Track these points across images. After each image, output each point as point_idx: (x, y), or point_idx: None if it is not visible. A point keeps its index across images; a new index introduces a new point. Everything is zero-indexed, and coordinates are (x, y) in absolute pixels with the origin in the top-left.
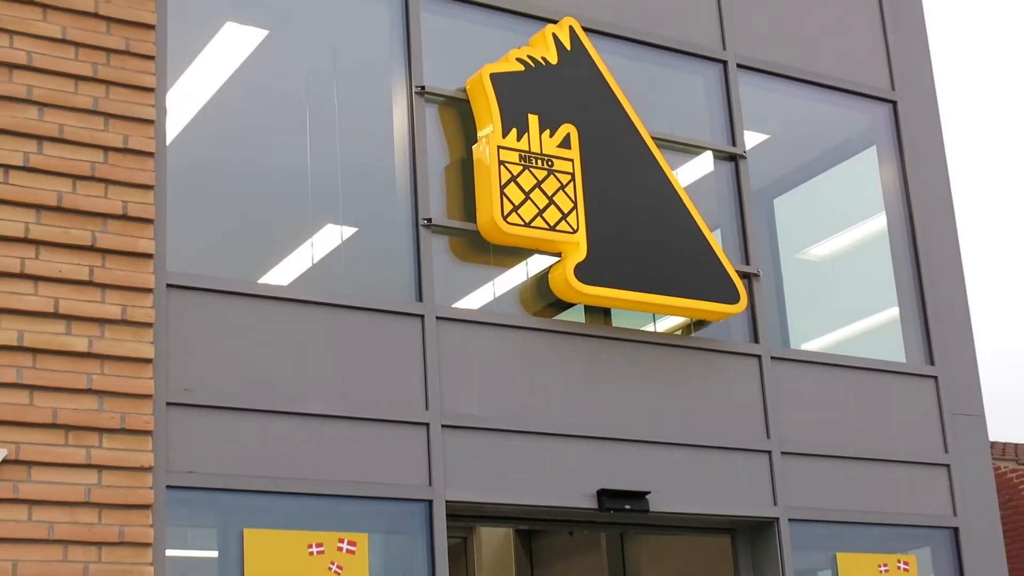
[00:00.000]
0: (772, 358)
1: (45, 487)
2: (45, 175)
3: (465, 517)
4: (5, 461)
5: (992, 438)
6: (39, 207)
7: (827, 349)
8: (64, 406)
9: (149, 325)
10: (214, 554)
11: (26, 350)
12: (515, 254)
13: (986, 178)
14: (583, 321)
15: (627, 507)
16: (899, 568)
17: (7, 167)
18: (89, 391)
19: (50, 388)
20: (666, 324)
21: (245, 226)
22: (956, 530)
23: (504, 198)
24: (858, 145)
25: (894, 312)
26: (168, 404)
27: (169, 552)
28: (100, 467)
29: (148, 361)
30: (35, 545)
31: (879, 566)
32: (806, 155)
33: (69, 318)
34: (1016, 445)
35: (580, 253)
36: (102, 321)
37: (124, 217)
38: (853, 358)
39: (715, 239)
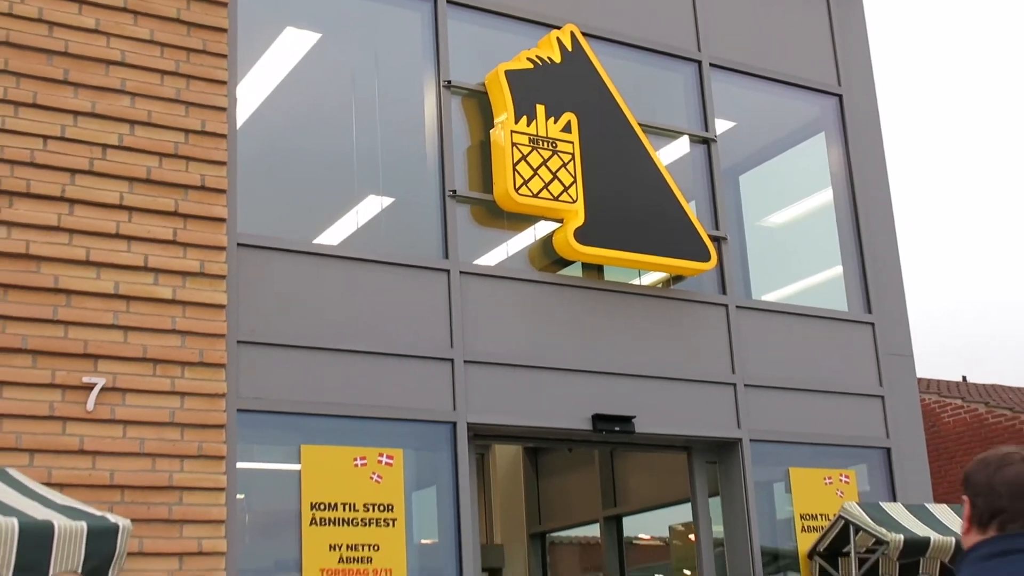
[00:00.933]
0: (737, 307)
1: (137, 410)
2: (136, 153)
3: (483, 436)
4: (103, 389)
5: (918, 375)
6: (131, 179)
7: (783, 300)
8: (152, 343)
9: (222, 277)
10: (276, 466)
11: (121, 297)
12: (525, 220)
13: (921, 157)
14: (580, 275)
15: (616, 428)
16: (841, 480)
17: (104, 146)
18: (173, 331)
19: (141, 328)
20: (649, 279)
21: (302, 196)
22: (888, 450)
23: (516, 173)
24: (809, 131)
25: (838, 270)
26: (238, 342)
27: (239, 465)
28: (182, 394)
29: (222, 307)
30: (129, 458)
31: (824, 479)
32: (766, 139)
33: (157, 271)
34: (938, 381)
35: (579, 219)
36: (184, 274)
37: (202, 188)
38: (804, 307)
39: (690, 208)
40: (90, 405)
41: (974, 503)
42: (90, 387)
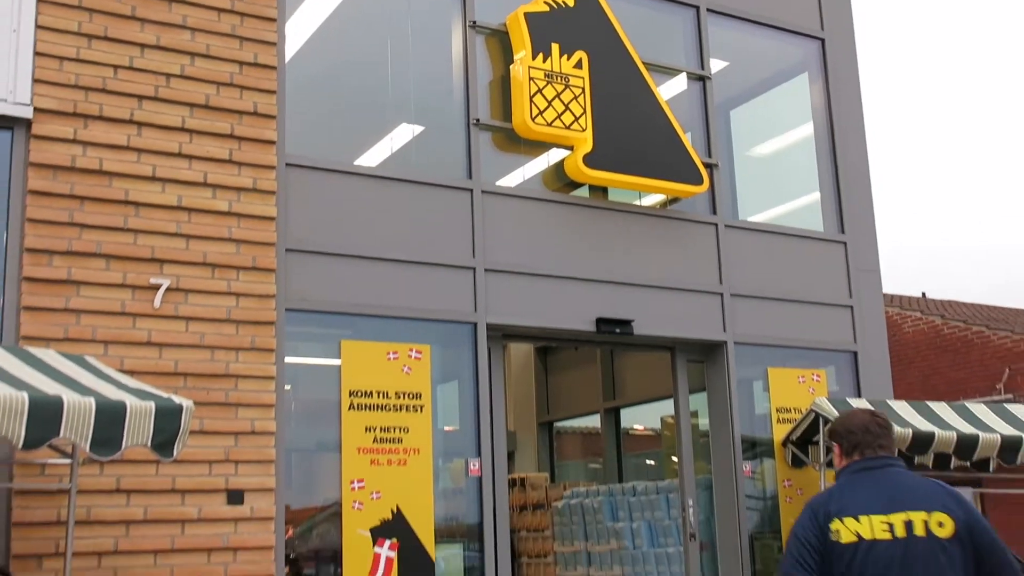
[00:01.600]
0: (726, 226)
1: (198, 308)
2: (196, 81)
3: (501, 336)
4: (168, 289)
5: (884, 290)
6: (192, 105)
7: (766, 221)
8: (211, 250)
9: (272, 193)
10: (319, 360)
11: (183, 209)
12: (540, 146)
13: (893, 94)
14: (588, 196)
15: (617, 331)
16: (813, 379)
17: (168, 75)
18: (229, 239)
19: (201, 237)
20: (649, 200)
21: (343, 123)
22: (855, 354)
23: (533, 105)
24: (794, 71)
25: (816, 195)
26: (287, 250)
27: (287, 359)
28: (237, 294)
29: (271, 219)
30: (190, 349)
31: (798, 378)
32: (755, 78)
33: (215, 187)
34: (900, 296)
35: (587, 146)
36: (238, 189)
37: (254, 114)
38: (785, 227)
39: (686, 138)
40: (157, 303)
41: (841, 444)
42: (156, 287)
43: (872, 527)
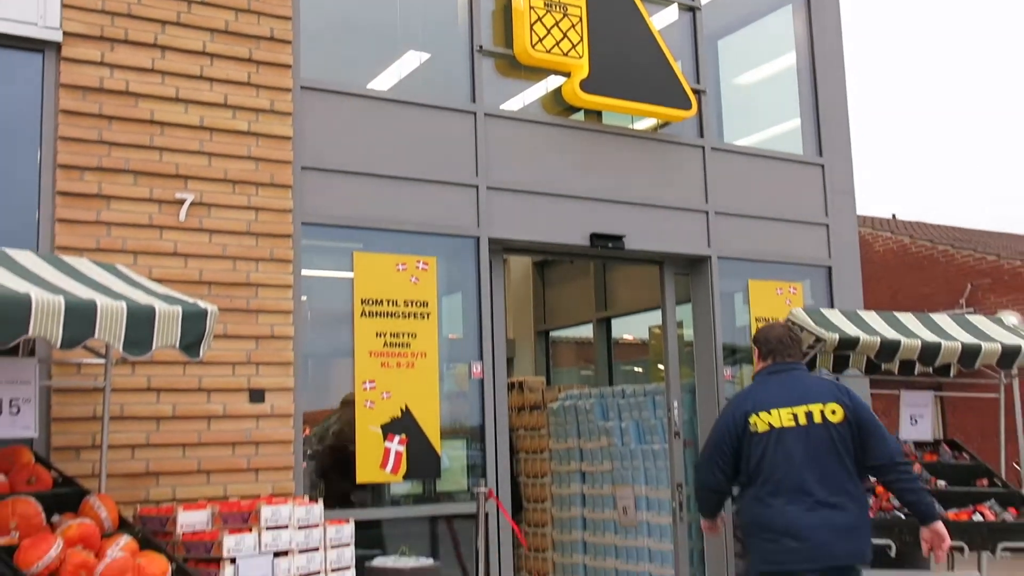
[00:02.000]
0: (712, 148)
1: (220, 221)
2: (216, 7)
3: (501, 250)
4: (192, 203)
5: (858, 211)
6: (212, 30)
7: (750, 144)
8: (231, 167)
9: (288, 114)
10: (333, 272)
11: (205, 129)
12: (539, 72)
13: (871, 26)
14: (584, 120)
15: (609, 245)
16: (790, 292)
17: (190, 1)
18: (248, 158)
19: (222, 155)
20: (641, 124)
21: (355, 48)
22: (829, 268)
23: (533, 33)
24: (779, 3)
25: (797, 121)
26: (302, 168)
27: (304, 271)
28: (256, 209)
29: (288, 138)
30: (214, 259)
31: (777, 290)
32: (742, 10)
33: (234, 108)
34: (872, 217)
35: (584, 72)
36: (257, 110)
37: (271, 39)
38: (767, 150)
39: (677, 65)
40: (182, 216)
41: (759, 350)
42: (181, 202)
43: (781, 418)
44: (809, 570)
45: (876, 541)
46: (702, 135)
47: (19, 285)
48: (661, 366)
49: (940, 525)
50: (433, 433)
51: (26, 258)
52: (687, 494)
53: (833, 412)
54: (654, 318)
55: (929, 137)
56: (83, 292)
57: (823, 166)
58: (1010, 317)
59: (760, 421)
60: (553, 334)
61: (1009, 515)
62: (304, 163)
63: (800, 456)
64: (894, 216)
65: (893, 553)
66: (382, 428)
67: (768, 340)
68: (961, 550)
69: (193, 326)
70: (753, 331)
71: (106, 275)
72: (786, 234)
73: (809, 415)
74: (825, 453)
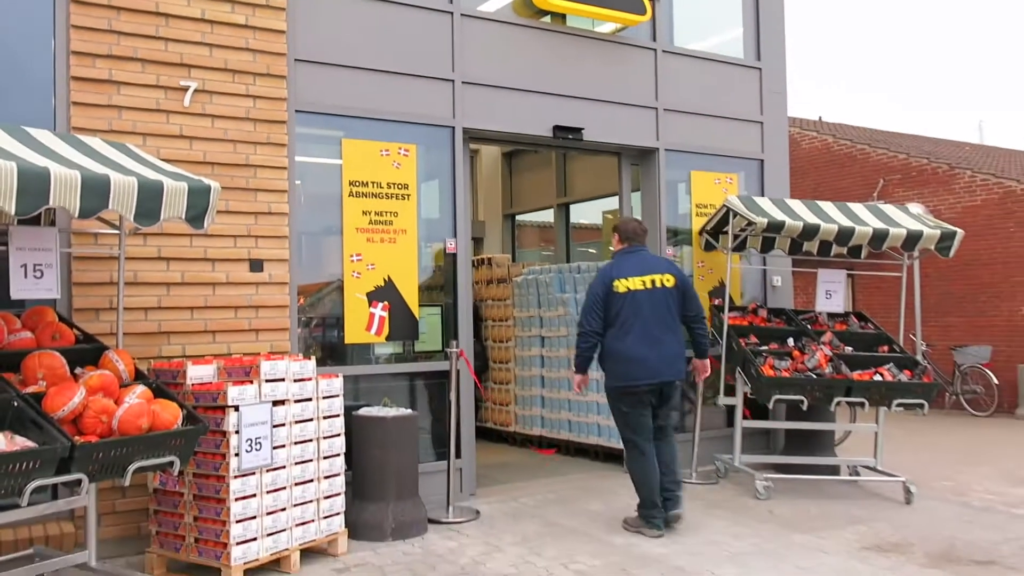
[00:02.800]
0: (663, 51)
1: (221, 107)
2: None
3: (474, 139)
4: (196, 90)
5: (788, 113)
6: None
7: (697, 48)
8: (231, 58)
9: (283, 9)
10: (323, 158)
11: (207, 21)
12: None
13: None
14: (550, 22)
15: (570, 136)
16: (727, 181)
17: None
18: (247, 49)
19: (222, 46)
20: (602, 28)
21: None
22: (762, 161)
23: None
24: None
25: (739, 29)
26: (295, 60)
27: (297, 157)
28: (254, 96)
29: (283, 32)
30: (216, 142)
31: (715, 180)
32: None
33: (233, 2)
34: (801, 118)
35: None
36: (254, 5)
37: None
38: (711, 54)
39: None
40: (186, 102)
41: (620, 236)
42: (185, 89)
43: (634, 283)
44: (646, 383)
45: (790, 398)
46: (655, 39)
47: (39, 160)
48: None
49: (707, 361)
50: (412, 300)
51: (45, 136)
52: None
53: (667, 280)
54: (607, 204)
55: (855, 46)
56: (97, 168)
57: (760, 69)
58: (915, 207)
59: (621, 285)
60: (518, 218)
61: (904, 376)
62: (297, 56)
63: (645, 309)
64: (820, 118)
65: (804, 406)
66: (367, 296)
67: (627, 230)
68: (863, 404)
69: (198, 200)
70: (694, 216)
71: (118, 153)
72: (725, 130)
73: (653, 282)
74: (661, 308)
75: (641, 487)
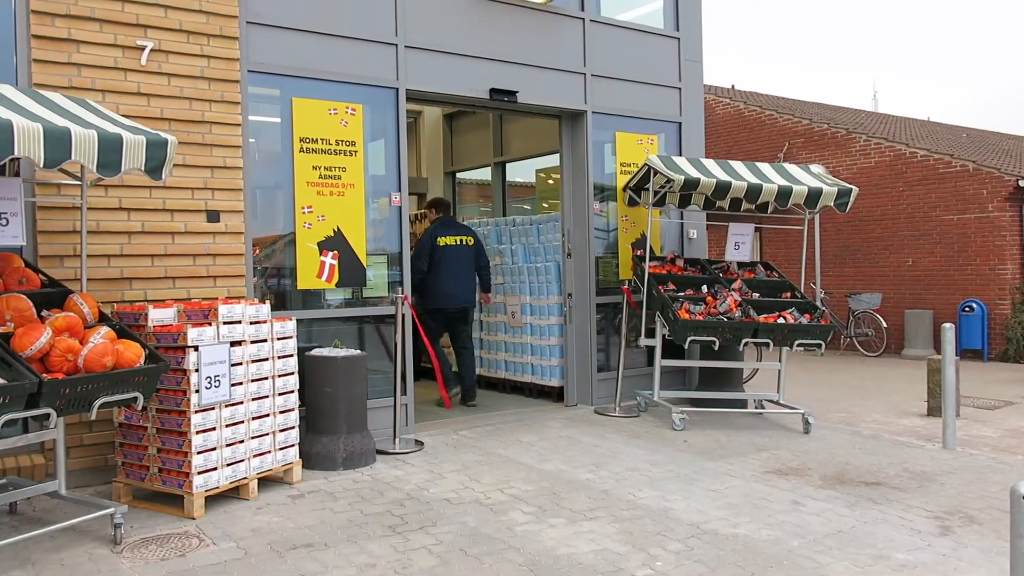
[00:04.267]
0: (591, 20)
1: (177, 66)
2: None
3: (416, 100)
4: (152, 50)
5: (704, 81)
6: None
7: (622, 20)
8: (186, 19)
9: None
10: (276, 119)
11: None
12: None
13: None
14: None
15: (505, 99)
16: (648, 142)
17: None
18: (200, 11)
19: (176, 7)
20: None
21: None
22: (680, 124)
23: None
24: None
25: (660, 1)
26: (247, 22)
27: (251, 117)
28: (208, 56)
29: None
30: (173, 100)
31: (638, 140)
32: None
33: None
34: (716, 86)
35: None
36: None
37: None
38: (635, 24)
39: None
40: (143, 60)
41: (436, 209)
42: (142, 48)
43: (448, 240)
44: (449, 307)
45: (704, 339)
46: (583, 9)
47: (2, 113)
48: (546, 204)
49: (489, 294)
50: (360, 250)
51: (7, 90)
52: (574, 302)
53: (469, 240)
54: (539, 163)
55: (762, 14)
56: (59, 120)
57: (679, 39)
58: (816, 168)
59: (441, 240)
60: (459, 176)
61: (805, 320)
62: (248, 18)
63: (453, 259)
64: (733, 86)
65: (716, 347)
66: (318, 245)
67: (440, 204)
68: (767, 345)
69: (156, 152)
70: (618, 174)
71: (79, 108)
72: (647, 95)
73: (461, 240)
74: (464, 259)
75: (446, 370)
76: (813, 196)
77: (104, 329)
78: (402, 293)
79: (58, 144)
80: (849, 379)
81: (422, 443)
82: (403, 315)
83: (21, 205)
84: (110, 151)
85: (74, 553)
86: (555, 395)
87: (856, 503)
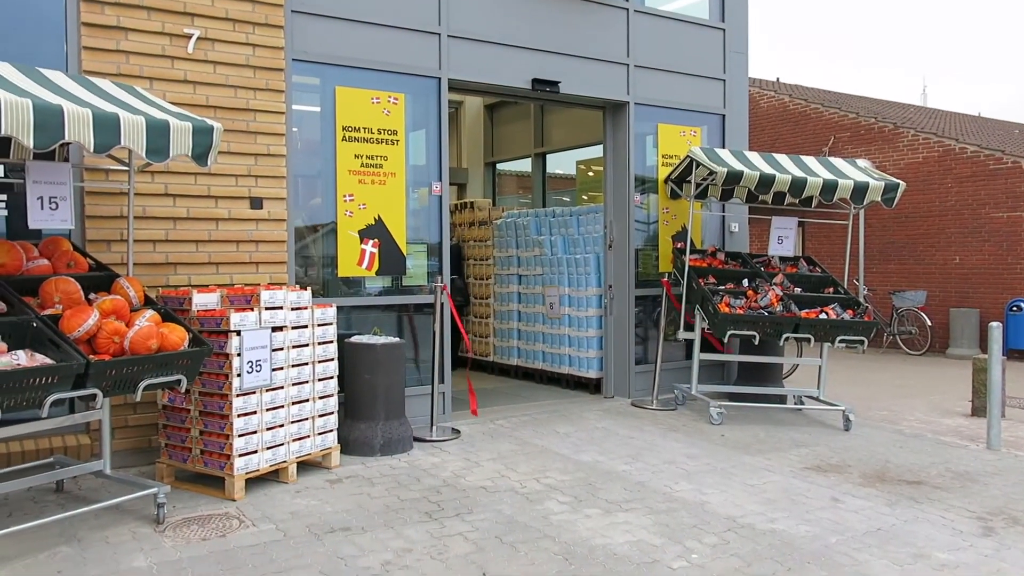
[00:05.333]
0: (635, 11)
1: (223, 54)
2: None
3: (458, 90)
4: (199, 38)
5: (749, 73)
6: None
7: (667, 10)
8: (232, 7)
9: None
10: (318, 107)
11: None
12: None
13: None
14: None
15: (547, 89)
16: (691, 134)
17: None
18: (247, 0)
19: None
20: None
21: None
22: (724, 116)
23: None
24: None
25: None
26: (292, 11)
27: (294, 106)
28: (254, 45)
29: None
30: (219, 87)
31: (680, 132)
32: None
33: None
34: (760, 79)
35: None
36: None
37: None
38: (680, 14)
39: None
40: (190, 48)
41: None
42: (189, 36)
43: None
44: None
45: (744, 333)
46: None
47: (53, 99)
48: (585, 196)
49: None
50: (400, 238)
51: (58, 77)
52: (613, 294)
53: None
54: (580, 155)
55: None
56: (107, 107)
57: (724, 30)
58: (862, 162)
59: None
60: (499, 167)
61: (847, 315)
62: (294, 7)
63: None
64: (778, 79)
65: (756, 341)
66: (359, 233)
67: None
68: (808, 340)
69: (202, 139)
70: (660, 166)
71: (126, 95)
72: (691, 86)
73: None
74: None
75: None
76: (859, 190)
77: (149, 312)
78: (441, 282)
79: (107, 129)
80: (891, 377)
81: (459, 431)
82: (441, 304)
83: (70, 190)
84: (158, 137)
85: (118, 531)
86: (592, 387)
87: (897, 501)
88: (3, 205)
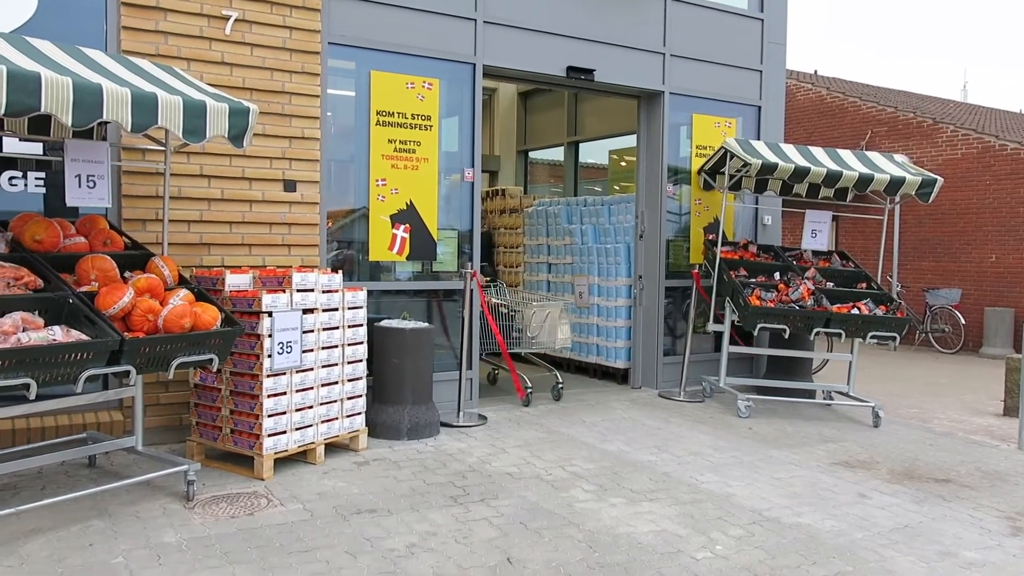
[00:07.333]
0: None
1: (260, 36)
2: None
3: (492, 76)
4: (237, 20)
5: (787, 66)
6: None
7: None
8: None
9: None
10: (352, 92)
11: None
12: None
13: None
14: None
15: (582, 77)
16: (726, 125)
17: None
18: None
19: None
20: None
21: None
22: (760, 108)
23: None
24: None
25: None
26: None
27: (329, 91)
28: (291, 28)
29: None
30: (255, 70)
31: (715, 123)
32: None
33: None
34: (798, 71)
35: None
36: None
37: None
38: (717, 3)
39: None
40: (227, 30)
41: None
42: (227, 18)
43: None
44: None
45: (774, 326)
46: None
47: (93, 77)
48: (616, 187)
49: None
50: (432, 224)
51: (98, 56)
52: (643, 284)
53: None
54: (612, 144)
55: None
56: (146, 86)
57: (762, 20)
58: (899, 157)
59: None
60: (531, 155)
61: (880, 311)
62: None
63: None
64: (815, 71)
65: (787, 335)
66: (390, 218)
67: None
68: (839, 335)
69: (238, 120)
70: (693, 157)
71: (165, 75)
72: (727, 77)
73: None
74: None
75: None
76: (895, 184)
77: (183, 292)
78: (471, 269)
79: (145, 109)
80: (923, 375)
81: (485, 418)
82: (471, 291)
83: (108, 169)
84: (195, 117)
85: (148, 507)
86: (619, 377)
87: (924, 499)
88: (41, 183)
